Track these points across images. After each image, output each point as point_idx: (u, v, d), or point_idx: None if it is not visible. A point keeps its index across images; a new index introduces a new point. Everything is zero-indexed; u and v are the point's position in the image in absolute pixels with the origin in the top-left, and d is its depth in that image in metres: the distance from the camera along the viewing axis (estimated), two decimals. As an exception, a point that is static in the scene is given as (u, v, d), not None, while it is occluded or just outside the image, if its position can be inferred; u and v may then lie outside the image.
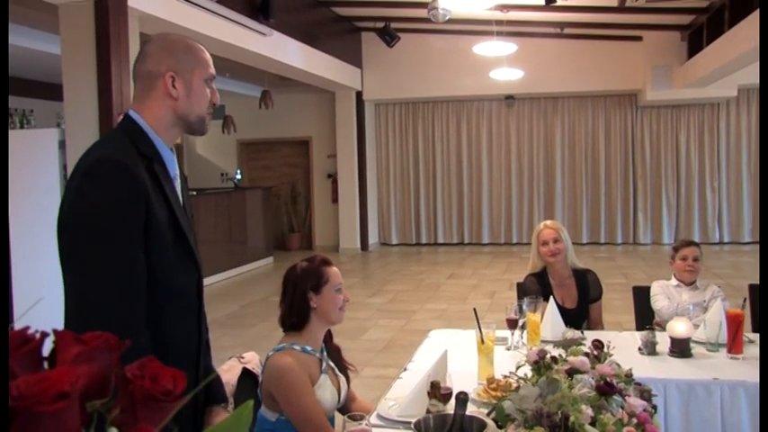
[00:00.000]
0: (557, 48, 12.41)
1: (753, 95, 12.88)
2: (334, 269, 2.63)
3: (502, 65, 10.71)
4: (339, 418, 2.55)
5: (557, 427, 1.70)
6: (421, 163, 14.12)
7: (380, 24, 11.86)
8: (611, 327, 4.17)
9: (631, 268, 10.67)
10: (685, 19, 11.19)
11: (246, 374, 2.69)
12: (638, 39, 12.27)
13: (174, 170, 1.91)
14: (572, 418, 1.69)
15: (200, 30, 7.02)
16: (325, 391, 2.53)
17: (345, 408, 2.66)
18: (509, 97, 13.34)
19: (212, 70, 1.92)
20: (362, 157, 13.45)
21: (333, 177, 13.81)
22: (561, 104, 13.59)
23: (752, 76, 11.15)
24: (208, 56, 1.93)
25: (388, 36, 11.89)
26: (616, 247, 13.32)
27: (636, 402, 1.88)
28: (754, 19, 8.02)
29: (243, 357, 2.78)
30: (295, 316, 2.57)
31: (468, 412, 2.00)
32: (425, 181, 14.14)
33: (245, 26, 8.00)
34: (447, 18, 8.94)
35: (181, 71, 1.85)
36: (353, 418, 1.99)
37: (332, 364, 2.67)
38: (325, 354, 2.64)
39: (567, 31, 11.79)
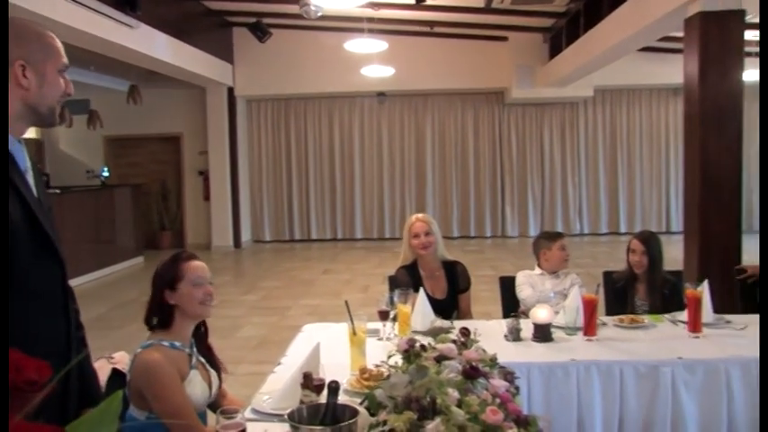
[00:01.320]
0: (427, 46, 12.70)
1: (607, 96, 13.72)
2: (193, 263, 2.58)
3: (373, 62, 10.84)
4: (213, 415, 2.53)
5: (425, 410, 1.78)
6: (294, 159, 14.09)
7: (252, 20, 11.72)
8: (481, 316, 4.32)
9: (500, 260, 11.09)
10: (547, 22, 11.72)
11: (116, 374, 2.63)
12: (504, 39, 12.74)
13: (25, 163, 1.80)
14: (439, 401, 1.77)
15: (61, 19, 6.70)
16: (195, 387, 2.51)
17: (216, 404, 2.65)
18: (380, 94, 13.51)
19: (65, 60, 1.84)
20: (234, 154, 13.26)
21: (204, 174, 13.53)
22: (431, 101, 13.93)
23: (605, 77, 11.86)
24: (60, 44, 1.84)
25: (260, 32, 11.76)
26: (485, 240, 13.81)
27: (499, 384, 1.99)
28: (604, 25, 8.54)
29: (112, 357, 2.71)
30: (156, 314, 2.54)
31: (341, 402, 2.05)
32: (298, 177, 14.12)
33: (110, 17, 7.71)
34: (319, 15, 8.95)
35: (32, 60, 1.76)
36: (226, 413, 1.99)
37: (202, 359, 2.64)
38: (194, 349, 2.61)
39: (437, 29, 12.08)
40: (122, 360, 2.70)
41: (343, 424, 1.88)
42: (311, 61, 12.81)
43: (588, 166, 13.97)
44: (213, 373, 2.67)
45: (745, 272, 4.37)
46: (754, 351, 3.06)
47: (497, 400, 1.88)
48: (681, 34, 6.39)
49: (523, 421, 1.79)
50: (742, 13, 5.53)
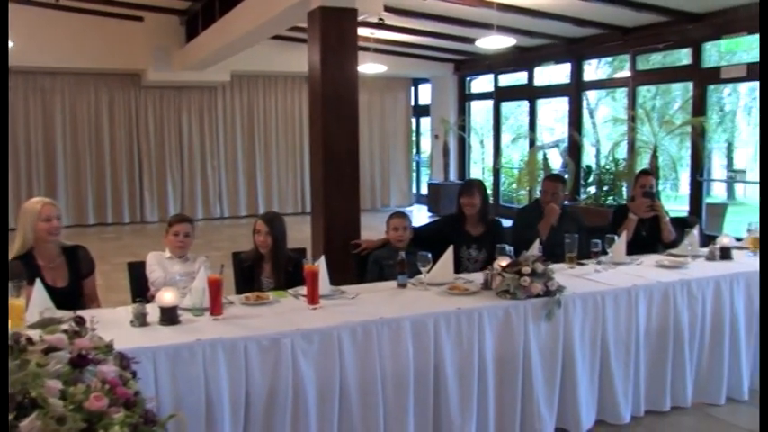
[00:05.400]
0: (53, 20, 11.74)
1: (244, 81, 14.08)
2: None
3: (-12, 34, 9.72)
4: None
5: (22, 407, 1.69)
6: None
7: None
8: (119, 304, 4.15)
9: (139, 246, 10.76)
10: (183, 4, 11.62)
11: None
12: (140, 19, 12.33)
13: None
14: (34, 394, 1.69)
15: None
16: None
17: None
18: None
19: None
20: None
21: None
22: (61, 81, 12.98)
23: (242, 63, 12.13)
24: None
25: None
26: (124, 226, 13.34)
27: (107, 369, 1.96)
28: (237, 12, 8.74)
29: None
30: None
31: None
32: None
33: None
34: None
35: None
36: None
37: None
38: None
39: (64, 2, 11.24)
40: None
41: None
42: None
43: (227, 151, 14.22)
44: None
45: (360, 246, 4.83)
46: (361, 316, 3.43)
47: (107, 386, 1.86)
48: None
49: (132, 404, 1.79)
50: (355, 11, 6.04)
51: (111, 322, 3.27)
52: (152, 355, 2.97)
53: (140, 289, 4.30)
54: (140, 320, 3.30)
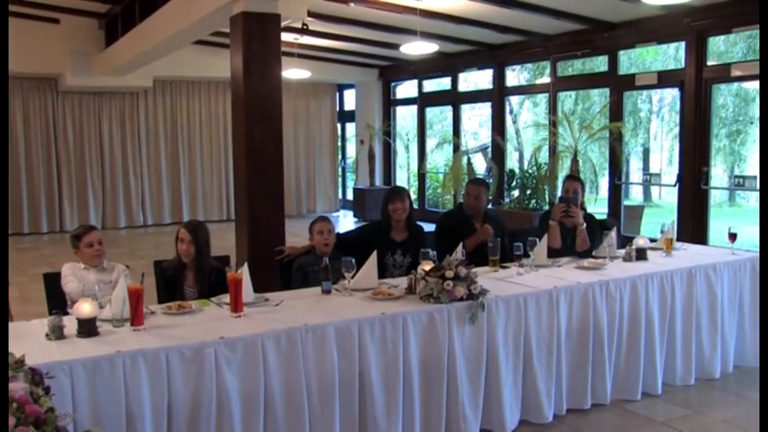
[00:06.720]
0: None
1: (167, 87, 13.81)
2: None
3: None
4: None
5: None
6: None
7: None
8: (34, 316, 4.00)
9: (58, 257, 10.40)
10: (101, 7, 11.31)
11: None
12: (56, 21, 11.96)
13: None
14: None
15: None
16: None
17: None
18: None
19: None
20: None
21: None
22: (-29, 85, 12.45)
23: (165, 68, 11.90)
24: None
25: None
26: (42, 236, 12.90)
27: (15, 387, 1.89)
28: (158, 16, 8.56)
29: None
30: None
31: None
32: None
33: None
34: None
35: None
36: None
37: None
38: None
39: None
40: None
41: None
42: None
43: (150, 157, 13.92)
44: None
45: (284, 252, 4.80)
46: (285, 323, 3.40)
47: (15, 405, 1.79)
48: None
49: (42, 422, 1.73)
50: (278, 16, 6.00)
51: (26, 336, 3.17)
52: (69, 370, 2.88)
53: (58, 300, 4.18)
54: (57, 333, 3.20)
